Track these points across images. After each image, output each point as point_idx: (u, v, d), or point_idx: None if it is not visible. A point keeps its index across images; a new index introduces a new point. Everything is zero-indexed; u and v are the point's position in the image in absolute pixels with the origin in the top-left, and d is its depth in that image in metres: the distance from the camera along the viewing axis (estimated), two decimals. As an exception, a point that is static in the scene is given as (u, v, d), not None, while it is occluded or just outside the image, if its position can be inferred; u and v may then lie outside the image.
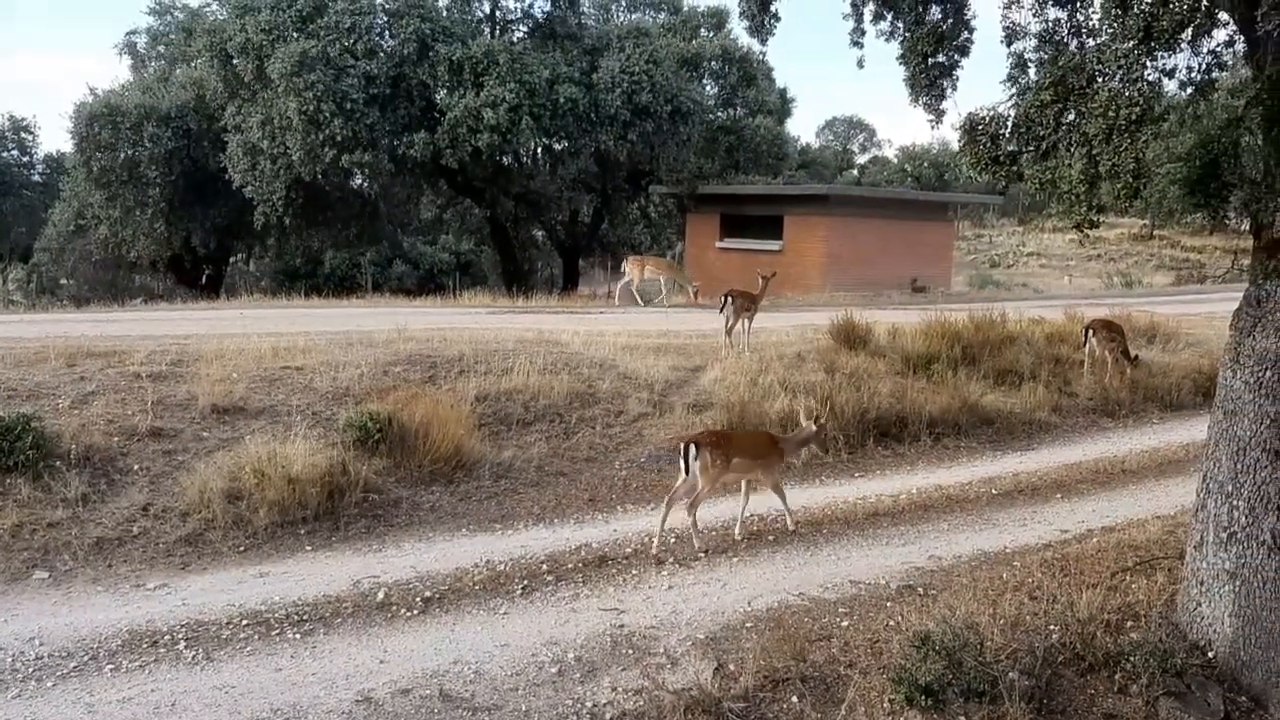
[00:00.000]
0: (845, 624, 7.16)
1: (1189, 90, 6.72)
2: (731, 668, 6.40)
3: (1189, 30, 5.90)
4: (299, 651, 6.59)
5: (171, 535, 8.31)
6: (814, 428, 9.69)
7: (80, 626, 6.78)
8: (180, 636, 6.69)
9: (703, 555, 8.58)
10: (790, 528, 9.26)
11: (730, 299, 14.41)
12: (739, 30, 36.60)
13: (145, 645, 6.56)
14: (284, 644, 6.69)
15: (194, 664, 6.36)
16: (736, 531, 9.10)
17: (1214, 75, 6.76)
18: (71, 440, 8.98)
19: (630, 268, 23.60)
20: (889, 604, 7.53)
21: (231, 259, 37.55)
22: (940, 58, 6.85)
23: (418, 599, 7.46)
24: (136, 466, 9.09)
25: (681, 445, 8.64)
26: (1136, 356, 15.78)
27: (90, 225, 32.13)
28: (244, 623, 6.93)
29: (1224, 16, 6.31)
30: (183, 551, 8.16)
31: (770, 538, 9.10)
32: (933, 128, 13.87)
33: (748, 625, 7.13)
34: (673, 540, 8.86)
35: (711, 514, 9.56)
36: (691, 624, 7.17)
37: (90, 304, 25.83)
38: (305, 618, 7.07)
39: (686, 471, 8.52)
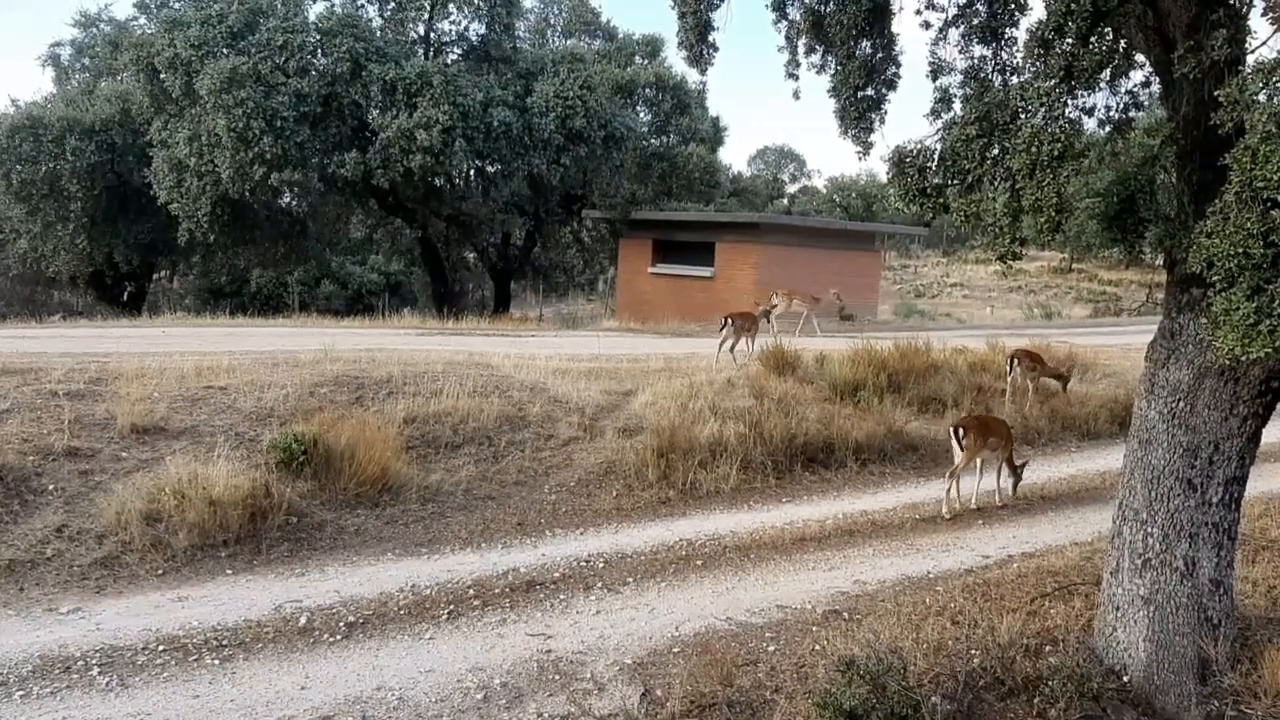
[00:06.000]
0: (772, 649, 7.20)
1: (1108, 128, 6.95)
2: (659, 693, 6.40)
3: (1108, 70, 6.09)
4: (217, 678, 6.45)
5: (87, 558, 8.08)
6: None
7: (-12, 652, 6.58)
8: (94, 662, 6.51)
9: (947, 518, 10.85)
10: (1009, 504, 11.62)
11: (730, 321, 16.21)
12: (674, 59, 37.14)
13: (58, 671, 6.37)
14: (202, 670, 6.54)
15: (108, 690, 6.19)
16: (998, 499, 11.69)
17: (1131, 114, 7.00)
18: (-17, 459, 8.72)
19: (778, 299, 23.28)
20: (815, 629, 7.60)
21: (155, 276, 36.81)
22: (870, 91, 6.96)
23: (341, 624, 7.35)
24: (51, 487, 8.85)
25: (950, 429, 11.22)
26: (1068, 371, 16.53)
27: (9, 239, 31.37)
28: (161, 648, 6.76)
29: (1141, 58, 6.53)
30: (98, 574, 7.94)
31: (698, 562, 9.13)
32: (861, 159, 14.21)
33: (675, 650, 7.14)
34: (601, 565, 8.86)
35: (644, 536, 9.58)
36: (619, 649, 7.16)
37: (7, 320, 25.15)
38: (225, 643, 6.92)
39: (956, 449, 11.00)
